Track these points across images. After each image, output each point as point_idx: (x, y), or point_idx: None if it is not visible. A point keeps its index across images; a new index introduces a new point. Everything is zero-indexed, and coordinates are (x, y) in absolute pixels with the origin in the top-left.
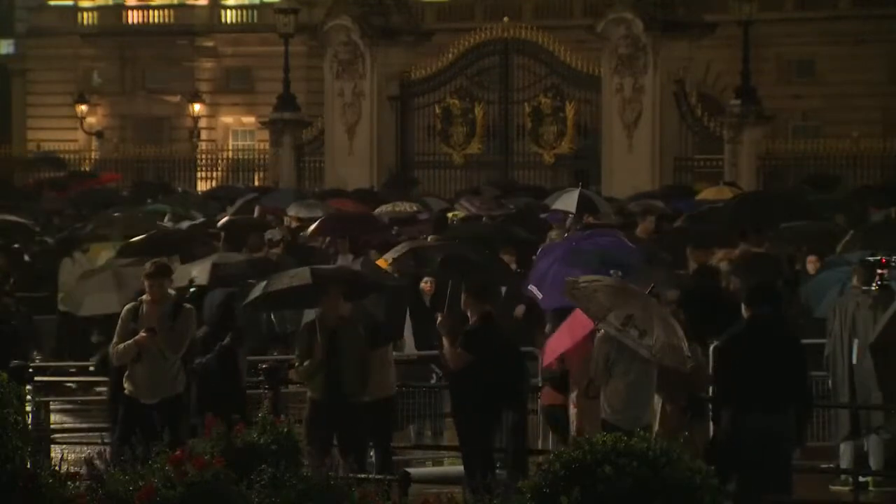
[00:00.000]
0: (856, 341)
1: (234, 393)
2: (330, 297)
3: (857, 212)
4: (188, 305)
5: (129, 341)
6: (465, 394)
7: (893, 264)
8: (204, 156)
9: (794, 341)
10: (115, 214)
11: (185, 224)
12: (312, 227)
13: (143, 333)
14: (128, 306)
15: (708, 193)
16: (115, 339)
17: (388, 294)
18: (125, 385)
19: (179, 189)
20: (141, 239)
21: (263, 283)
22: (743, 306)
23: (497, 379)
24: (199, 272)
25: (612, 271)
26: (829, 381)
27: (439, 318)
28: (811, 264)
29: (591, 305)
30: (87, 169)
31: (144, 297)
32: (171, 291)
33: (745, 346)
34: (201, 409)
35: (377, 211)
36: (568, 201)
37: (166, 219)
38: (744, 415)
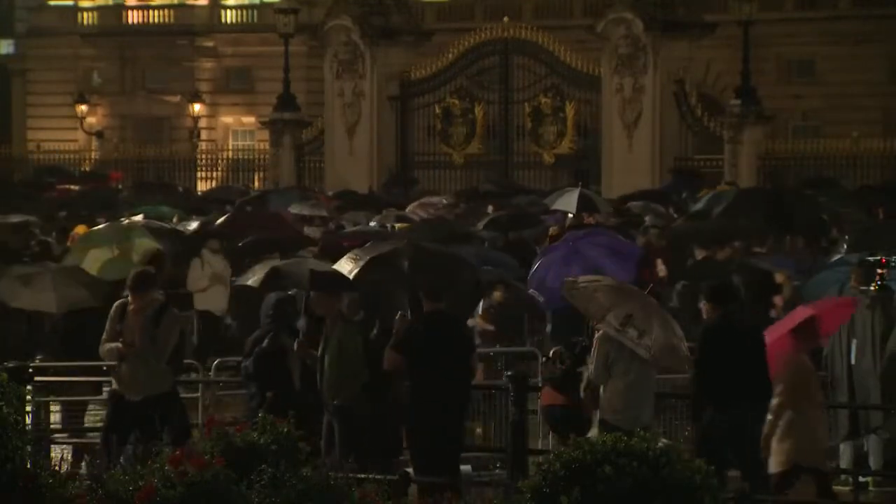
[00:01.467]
0: (854, 341)
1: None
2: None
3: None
4: (173, 310)
5: (112, 346)
6: (412, 394)
7: (893, 264)
8: (204, 156)
9: (757, 334)
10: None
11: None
12: (219, 221)
13: (121, 345)
14: (116, 304)
15: (707, 193)
16: (103, 336)
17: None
18: (112, 381)
19: (180, 188)
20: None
21: None
22: (704, 304)
23: (437, 379)
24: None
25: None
26: (828, 381)
27: (398, 317)
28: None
29: (591, 306)
30: (87, 169)
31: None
32: (158, 295)
33: (714, 343)
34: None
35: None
36: (568, 201)
37: (175, 220)
38: (714, 409)
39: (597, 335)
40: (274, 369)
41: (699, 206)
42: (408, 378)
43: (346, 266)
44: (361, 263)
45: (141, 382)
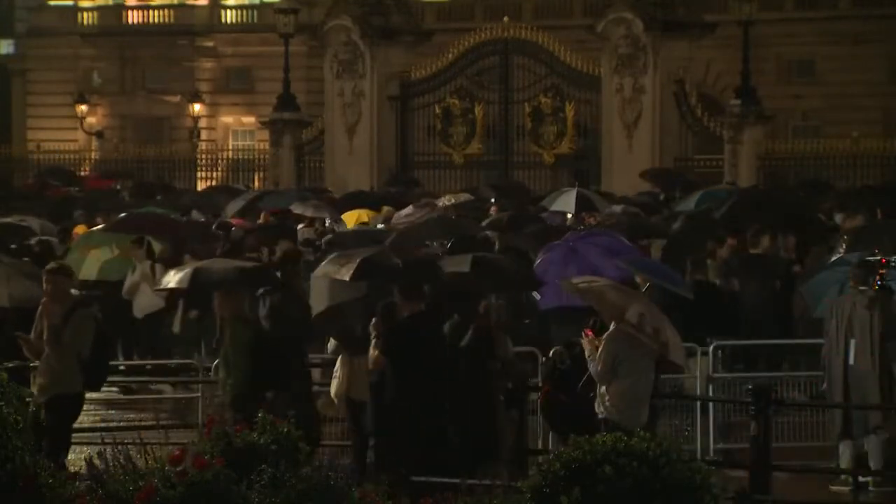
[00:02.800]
0: (853, 341)
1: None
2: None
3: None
4: (86, 310)
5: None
6: (388, 394)
7: (893, 264)
8: (204, 156)
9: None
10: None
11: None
12: (117, 220)
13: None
14: (42, 301)
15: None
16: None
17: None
18: None
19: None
20: None
21: None
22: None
23: (416, 378)
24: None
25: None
26: (825, 381)
27: (373, 320)
28: None
29: (605, 305)
30: (87, 169)
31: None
32: (74, 292)
33: None
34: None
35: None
36: (566, 202)
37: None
38: None
39: (606, 334)
40: None
41: (688, 204)
42: (391, 378)
43: (332, 268)
44: (353, 266)
45: (46, 383)
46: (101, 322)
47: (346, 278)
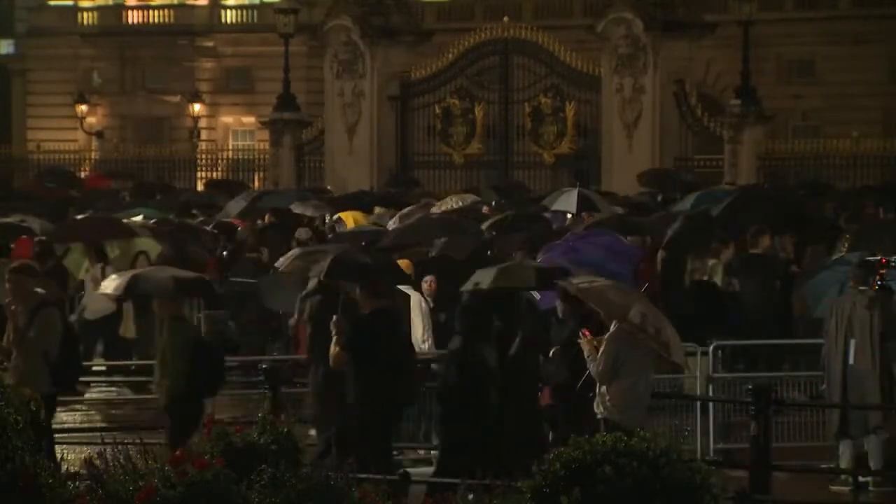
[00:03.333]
0: (852, 341)
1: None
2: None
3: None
4: (50, 309)
5: None
6: (348, 390)
7: (893, 264)
8: (204, 156)
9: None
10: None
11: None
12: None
13: None
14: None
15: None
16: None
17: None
18: None
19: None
20: None
21: None
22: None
23: (376, 375)
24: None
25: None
26: (825, 381)
27: (334, 318)
28: None
29: (607, 304)
30: (87, 169)
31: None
32: (39, 290)
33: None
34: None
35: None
36: (567, 201)
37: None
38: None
39: (608, 334)
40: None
41: (685, 205)
42: (351, 375)
43: (300, 265)
44: (325, 265)
45: (14, 384)
46: (69, 320)
47: (321, 277)
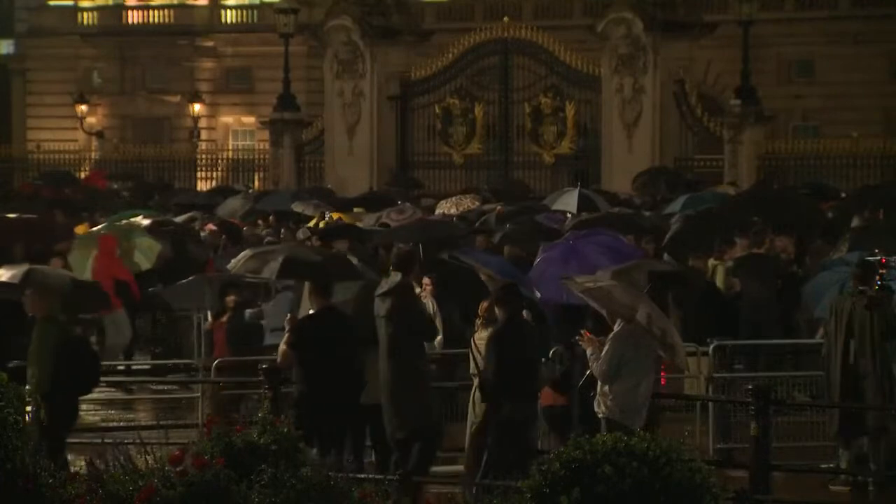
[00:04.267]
0: (852, 341)
1: None
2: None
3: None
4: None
5: None
6: (296, 387)
7: (893, 264)
8: (204, 156)
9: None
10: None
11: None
12: None
13: None
14: None
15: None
16: None
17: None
18: None
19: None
20: None
21: None
22: (498, 306)
23: (321, 373)
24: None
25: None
26: (825, 381)
27: (288, 317)
28: None
29: (613, 305)
30: (87, 169)
31: None
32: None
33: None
34: None
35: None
36: (568, 201)
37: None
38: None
39: (612, 334)
40: None
41: (674, 208)
42: (298, 373)
43: (252, 265)
44: (277, 265)
45: None
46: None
47: (274, 277)
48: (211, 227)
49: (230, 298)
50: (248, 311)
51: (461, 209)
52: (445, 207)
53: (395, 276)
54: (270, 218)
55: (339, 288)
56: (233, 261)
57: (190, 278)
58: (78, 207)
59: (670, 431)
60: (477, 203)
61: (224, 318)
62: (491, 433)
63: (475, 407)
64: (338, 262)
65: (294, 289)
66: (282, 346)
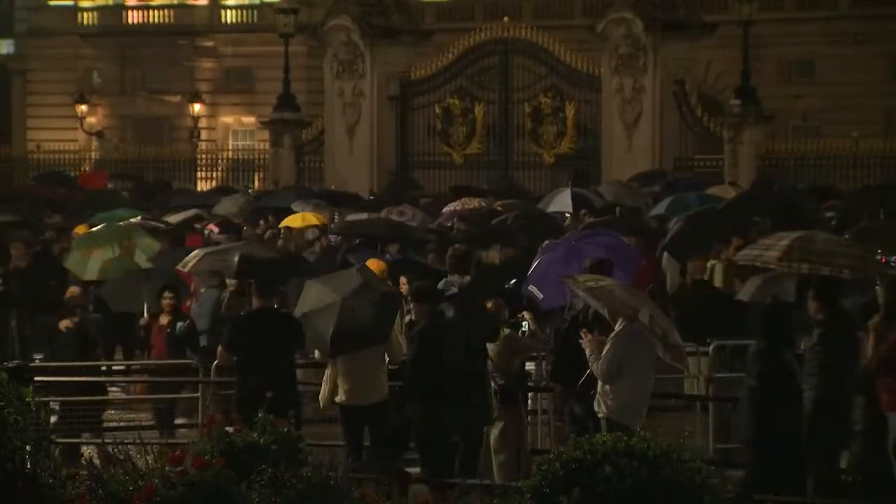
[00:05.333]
0: None
1: None
2: None
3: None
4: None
5: None
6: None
7: (893, 264)
8: (204, 156)
9: (477, 338)
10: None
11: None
12: None
13: None
14: None
15: (710, 193)
16: None
17: (379, 298)
18: None
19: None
20: None
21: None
22: (416, 305)
23: (254, 373)
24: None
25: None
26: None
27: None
28: None
29: (616, 304)
30: (87, 169)
31: None
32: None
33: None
34: None
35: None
36: (563, 202)
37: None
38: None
39: (613, 334)
40: None
41: (659, 210)
42: (237, 373)
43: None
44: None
45: None
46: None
47: (232, 277)
48: (212, 226)
49: (167, 302)
50: (178, 324)
51: (466, 208)
52: (453, 207)
53: (456, 278)
54: (269, 217)
55: (337, 283)
56: (185, 259)
57: (128, 277)
58: (73, 208)
59: (670, 431)
60: (484, 204)
61: (163, 321)
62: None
63: None
64: (292, 261)
65: (219, 288)
66: (221, 348)
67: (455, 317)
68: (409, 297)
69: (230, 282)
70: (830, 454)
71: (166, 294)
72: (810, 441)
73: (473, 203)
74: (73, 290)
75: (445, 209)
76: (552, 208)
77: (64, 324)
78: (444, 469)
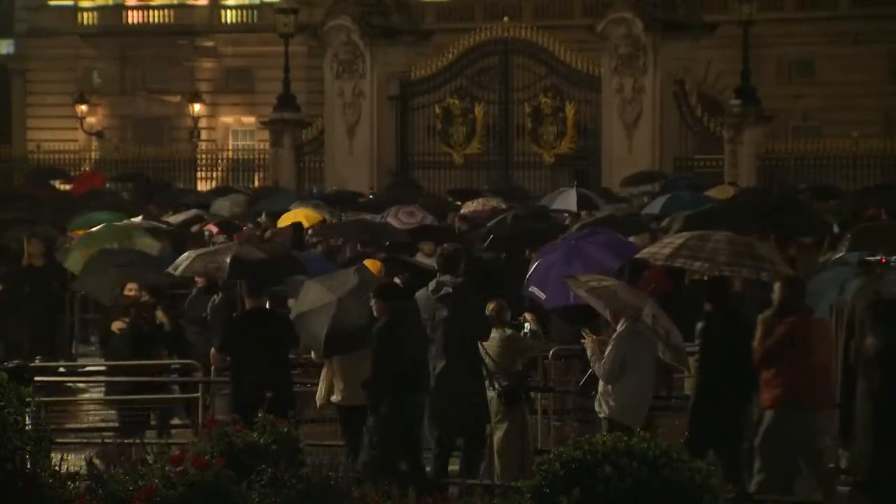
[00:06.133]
0: (853, 342)
1: None
2: None
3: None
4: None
5: None
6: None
7: (893, 264)
8: (204, 156)
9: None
10: None
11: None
12: None
13: None
14: None
15: (711, 193)
16: None
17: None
18: None
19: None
20: None
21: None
22: (377, 304)
23: (246, 374)
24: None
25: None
26: None
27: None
28: None
29: (617, 304)
30: (87, 169)
31: None
32: None
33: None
34: None
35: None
36: (567, 200)
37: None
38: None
39: (615, 334)
40: None
41: (654, 208)
42: (231, 374)
43: (199, 266)
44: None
45: None
46: None
47: (224, 278)
48: (211, 227)
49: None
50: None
51: (469, 210)
52: (471, 208)
53: (447, 278)
54: (263, 217)
55: (335, 283)
56: (177, 260)
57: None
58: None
59: (670, 432)
60: (492, 205)
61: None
62: (368, 431)
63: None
64: (284, 261)
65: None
66: (213, 351)
67: (408, 316)
68: None
69: (199, 280)
70: (713, 445)
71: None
72: (691, 433)
73: (492, 203)
74: (133, 286)
75: (464, 210)
76: (555, 206)
77: (116, 325)
78: (411, 468)
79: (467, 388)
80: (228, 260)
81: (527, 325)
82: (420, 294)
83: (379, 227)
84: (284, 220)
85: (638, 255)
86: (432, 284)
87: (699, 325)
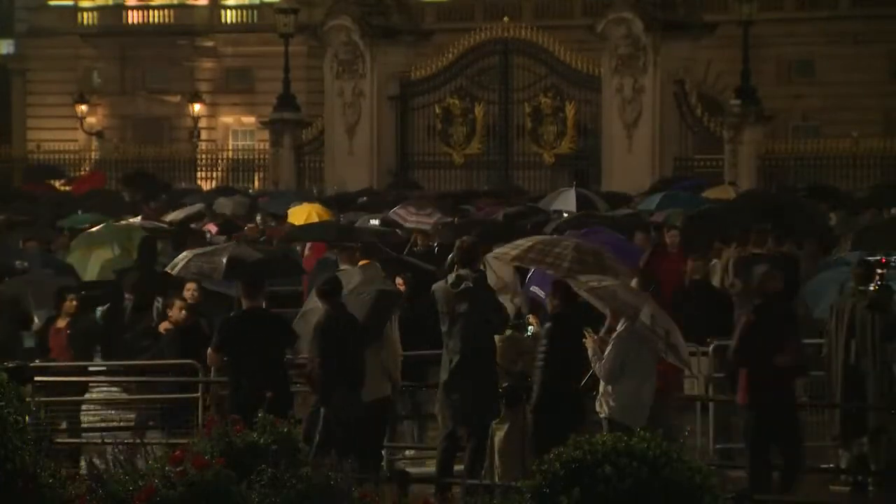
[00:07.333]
0: (853, 341)
1: None
2: None
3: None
4: None
5: None
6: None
7: (893, 264)
8: (204, 156)
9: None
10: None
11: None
12: None
13: None
14: None
15: (711, 193)
16: None
17: (373, 297)
18: None
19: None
20: None
21: None
22: (321, 299)
23: (242, 375)
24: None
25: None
26: (826, 381)
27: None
28: None
29: (617, 304)
30: (87, 169)
31: None
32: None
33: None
34: None
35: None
36: (567, 201)
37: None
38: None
39: (615, 334)
40: None
41: (649, 205)
42: (229, 375)
43: (197, 266)
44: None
45: None
46: None
47: (220, 278)
48: (211, 226)
49: (70, 304)
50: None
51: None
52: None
53: (466, 272)
54: (261, 217)
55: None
56: (174, 261)
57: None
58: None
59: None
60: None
61: (61, 324)
62: (322, 423)
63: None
64: (281, 261)
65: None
66: (209, 350)
67: (344, 314)
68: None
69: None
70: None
71: (68, 296)
72: (535, 431)
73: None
74: (192, 286)
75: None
76: (555, 206)
77: (163, 326)
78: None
79: (482, 381)
80: (225, 260)
81: (530, 326)
82: (438, 286)
83: (353, 229)
84: (295, 217)
85: (492, 254)
86: (451, 278)
87: (546, 325)
